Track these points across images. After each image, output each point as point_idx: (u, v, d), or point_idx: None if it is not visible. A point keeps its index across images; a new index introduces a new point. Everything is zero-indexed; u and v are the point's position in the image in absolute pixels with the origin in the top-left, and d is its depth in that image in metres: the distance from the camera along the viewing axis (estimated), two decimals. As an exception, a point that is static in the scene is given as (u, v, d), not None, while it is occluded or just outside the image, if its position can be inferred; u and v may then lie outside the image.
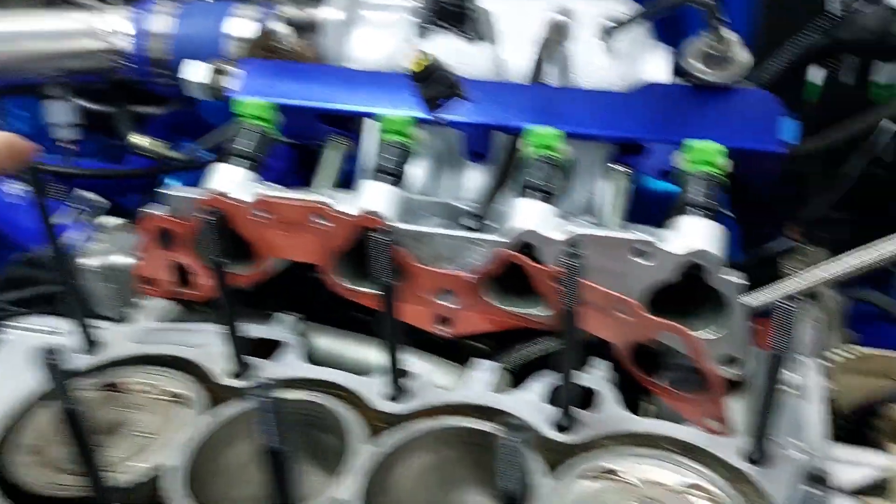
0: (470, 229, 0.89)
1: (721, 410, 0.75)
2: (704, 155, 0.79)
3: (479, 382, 0.80)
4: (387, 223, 0.81)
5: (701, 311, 0.84)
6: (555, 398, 0.76)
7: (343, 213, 0.82)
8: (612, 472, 0.71)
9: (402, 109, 0.87)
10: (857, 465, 0.73)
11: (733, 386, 0.80)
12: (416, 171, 0.97)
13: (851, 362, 0.78)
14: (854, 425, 0.78)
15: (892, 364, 0.78)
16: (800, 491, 0.41)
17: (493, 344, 1.00)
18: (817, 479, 0.42)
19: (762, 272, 1.16)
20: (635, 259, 0.78)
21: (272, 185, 0.89)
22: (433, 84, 0.71)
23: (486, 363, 0.83)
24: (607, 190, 0.92)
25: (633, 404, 0.80)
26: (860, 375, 0.79)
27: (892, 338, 1.06)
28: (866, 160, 1.00)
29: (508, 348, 0.92)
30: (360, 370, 0.82)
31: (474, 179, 0.97)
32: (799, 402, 0.75)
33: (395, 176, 0.84)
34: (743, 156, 0.81)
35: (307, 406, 0.76)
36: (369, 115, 0.91)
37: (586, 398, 0.77)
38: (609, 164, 0.91)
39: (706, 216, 0.78)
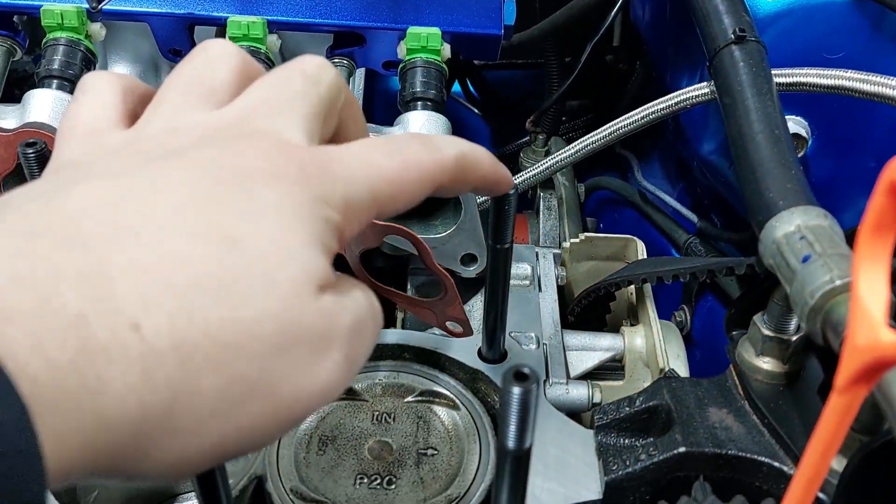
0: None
1: (460, 312, 0.71)
2: (421, 41, 0.73)
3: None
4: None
5: (443, 211, 0.80)
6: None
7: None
8: (348, 390, 0.65)
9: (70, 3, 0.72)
10: (591, 350, 0.74)
11: (478, 285, 0.77)
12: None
13: (581, 248, 0.78)
14: (589, 309, 0.78)
15: (617, 245, 0.78)
16: (505, 392, 0.37)
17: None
18: (519, 375, 0.38)
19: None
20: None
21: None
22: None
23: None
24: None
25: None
26: (591, 260, 0.79)
27: (629, 220, 1.09)
28: (593, 45, 0.99)
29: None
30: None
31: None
32: (532, 293, 0.73)
33: (67, 80, 0.70)
34: (463, 40, 0.76)
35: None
36: (31, 10, 0.74)
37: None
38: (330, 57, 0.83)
39: (427, 107, 0.72)
